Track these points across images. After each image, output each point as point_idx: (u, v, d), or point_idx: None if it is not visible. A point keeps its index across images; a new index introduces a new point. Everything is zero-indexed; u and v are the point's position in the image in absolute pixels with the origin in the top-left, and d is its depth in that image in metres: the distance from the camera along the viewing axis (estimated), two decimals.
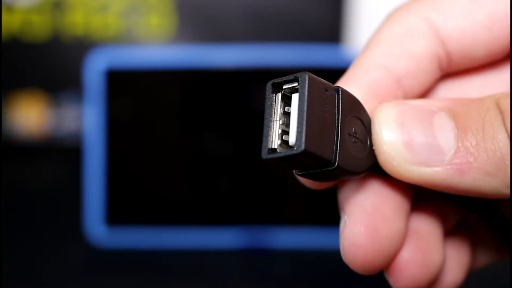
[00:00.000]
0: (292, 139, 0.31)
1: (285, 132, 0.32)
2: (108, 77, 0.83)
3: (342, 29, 0.95)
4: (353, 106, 0.33)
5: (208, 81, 0.85)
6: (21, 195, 0.93)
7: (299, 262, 0.83)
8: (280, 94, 0.33)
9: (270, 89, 0.33)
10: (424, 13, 0.37)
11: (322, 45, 0.92)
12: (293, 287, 0.81)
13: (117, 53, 0.84)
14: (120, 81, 0.84)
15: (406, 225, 0.36)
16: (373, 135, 0.34)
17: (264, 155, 0.32)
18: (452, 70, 0.38)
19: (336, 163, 0.32)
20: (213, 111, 0.84)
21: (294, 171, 0.33)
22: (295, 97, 0.32)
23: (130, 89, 0.85)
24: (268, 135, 0.32)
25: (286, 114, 0.32)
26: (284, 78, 0.32)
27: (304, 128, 0.30)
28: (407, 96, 0.37)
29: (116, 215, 0.84)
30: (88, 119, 0.84)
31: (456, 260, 0.39)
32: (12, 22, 0.95)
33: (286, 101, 0.33)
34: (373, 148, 0.34)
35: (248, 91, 0.84)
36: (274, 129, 0.32)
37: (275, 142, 0.32)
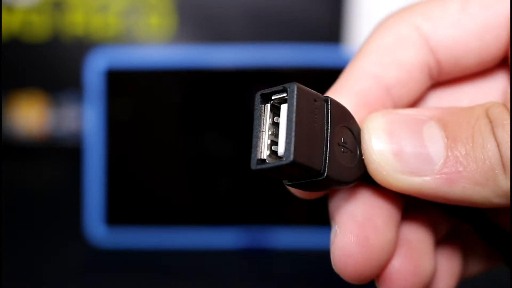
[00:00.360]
0: (281, 149, 0.31)
1: (274, 142, 0.32)
2: (108, 77, 0.83)
3: (342, 29, 0.95)
4: (343, 116, 0.33)
5: (208, 81, 0.84)
6: (21, 195, 0.93)
7: (299, 262, 0.83)
8: (269, 105, 0.33)
9: (259, 100, 0.33)
10: (414, 22, 0.37)
11: (322, 45, 0.92)
12: (293, 287, 0.81)
13: (117, 53, 0.84)
14: (120, 81, 0.84)
15: (396, 234, 0.36)
16: (362, 145, 0.34)
17: (253, 165, 0.32)
18: (443, 79, 0.38)
19: (325, 173, 0.32)
20: (213, 111, 0.84)
21: (283, 181, 0.33)
22: (283, 108, 0.32)
23: (130, 89, 0.85)
24: (257, 145, 0.32)
25: (275, 125, 0.32)
26: (273, 89, 0.32)
27: (293, 138, 0.30)
28: (396, 105, 0.37)
29: (116, 215, 0.84)
30: (88, 119, 0.84)
31: (447, 268, 0.39)
32: (12, 22, 0.96)
33: (275, 111, 0.33)
34: (363, 157, 0.34)
35: (248, 91, 0.84)
36: (263, 139, 0.32)
37: (264, 153, 0.32)
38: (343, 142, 0.33)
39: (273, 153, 0.32)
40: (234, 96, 0.85)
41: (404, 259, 0.36)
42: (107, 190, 0.84)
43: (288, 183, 0.33)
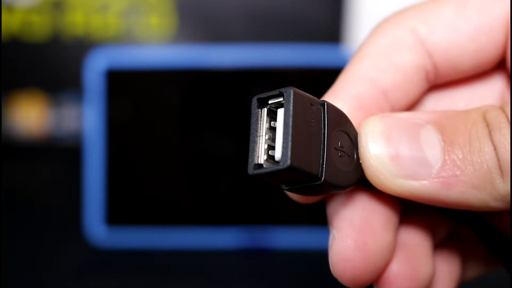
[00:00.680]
0: (278, 154, 0.31)
1: (271, 147, 0.32)
2: (108, 77, 0.83)
3: (342, 29, 0.95)
4: (339, 120, 0.33)
5: (208, 81, 0.84)
6: (21, 195, 0.94)
7: (299, 262, 0.83)
8: (265, 109, 0.33)
9: (256, 104, 0.32)
10: (410, 25, 0.37)
11: (322, 45, 0.92)
12: (293, 287, 0.81)
13: (117, 53, 0.84)
14: (120, 81, 0.84)
15: (394, 238, 0.36)
16: (359, 149, 0.33)
17: (251, 170, 0.32)
18: (440, 82, 0.38)
19: (323, 178, 0.32)
20: (213, 111, 0.84)
21: (281, 185, 0.33)
22: (280, 112, 0.32)
23: (130, 89, 0.85)
24: (254, 150, 0.32)
25: (272, 129, 0.32)
26: (269, 93, 0.32)
27: (290, 143, 0.30)
28: (394, 109, 0.36)
29: (116, 215, 0.84)
30: (88, 119, 0.84)
31: (445, 272, 0.39)
32: (12, 22, 0.95)
33: (272, 116, 0.32)
34: (360, 161, 0.34)
35: (248, 91, 0.84)
36: (260, 144, 0.32)
37: (261, 158, 0.32)
38: (340, 146, 0.33)
39: (270, 157, 0.32)
40: (234, 96, 0.85)
41: (402, 263, 0.36)
42: (107, 190, 0.84)
43: (285, 188, 0.33)
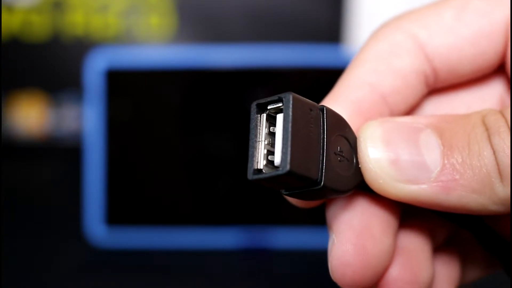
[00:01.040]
0: (277, 159, 0.31)
1: (271, 152, 0.32)
2: (108, 77, 0.83)
3: (342, 29, 0.95)
4: (339, 125, 0.33)
5: (208, 81, 0.84)
6: (21, 195, 0.94)
7: (299, 262, 0.83)
8: (265, 115, 0.33)
9: (255, 110, 0.33)
10: (410, 30, 0.36)
11: (322, 45, 0.92)
12: (293, 287, 0.81)
13: (117, 53, 0.84)
14: (120, 81, 0.84)
15: (394, 242, 0.36)
16: (359, 153, 0.33)
17: (250, 175, 0.32)
18: (439, 86, 0.38)
19: (322, 183, 0.32)
20: (213, 111, 0.84)
21: (281, 190, 0.33)
22: (279, 118, 0.32)
23: (130, 89, 0.85)
24: (253, 155, 0.32)
25: (271, 134, 0.32)
26: (269, 99, 0.32)
27: (289, 148, 0.30)
28: (393, 113, 0.36)
29: (116, 215, 0.84)
30: (88, 119, 0.84)
31: (445, 275, 0.39)
32: (12, 22, 0.95)
33: (271, 121, 0.32)
34: (359, 166, 0.34)
35: (248, 91, 0.84)
36: (260, 149, 0.32)
37: (261, 163, 0.32)
38: (339, 151, 0.33)
39: (270, 163, 0.32)
40: (234, 96, 0.84)
41: (401, 267, 0.36)
42: (107, 190, 0.84)
43: (285, 193, 0.33)
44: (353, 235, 0.35)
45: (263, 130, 0.32)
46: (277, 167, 0.31)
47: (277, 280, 0.82)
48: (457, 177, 0.32)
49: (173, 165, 0.86)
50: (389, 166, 0.33)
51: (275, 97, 0.32)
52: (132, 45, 0.96)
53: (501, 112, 0.32)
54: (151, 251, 0.84)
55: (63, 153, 0.98)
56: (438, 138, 0.32)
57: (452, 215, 0.35)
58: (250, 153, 0.32)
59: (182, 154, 0.87)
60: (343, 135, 0.33)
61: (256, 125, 0.33)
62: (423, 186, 0.32)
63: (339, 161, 0.33)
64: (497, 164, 0.31)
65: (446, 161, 0.32)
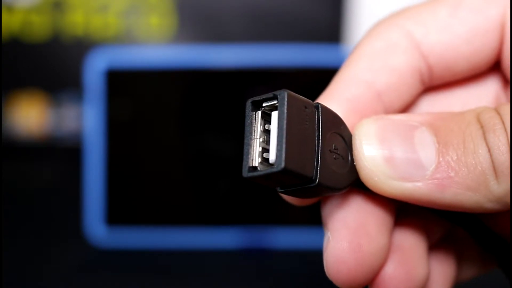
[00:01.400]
0: (272, 157, 0.31)
1: (266, 149, 0.32)
2: (108, 77, 0.83)
3: (342, 29, 0.95)
4: (334, 122, 0.33)
5: (208, 81, 0.84)
6: (21, 195, 0.94)
7: (299, 262, 0.83)
8: (260, 112, 0.33)
9: (250, 107, 0.33)
10: (405, 27, 0.36)
11: (322, 45, 0.91)
12: (293, 287, 0.81)
13: (117, 53, 0.84)
14: (120, 81, 0.84)
15: (389, 240, 0.36)
16: (354, 151, 0.33)
17: (245, 173, 0.32)
18: (435, 84, 0.38)
19: (317, 180, 0.32)
20: (213, 111, 0.84)
21: (276, 188, 0.33)
22: (274, 115, 0.32)
23: (130, 89, 0.85)
24: (248, 153, 0.32)
25: (266, 132, 0.32)
26: (263, 96, 0.32)
27: (284, 146, 0.30)
28: (388, 111, 0.36)
29: (116, 215, 0.84)
30: (88, 119, 0.84)
31: (441, 273, 0.39)
32: (12, 22, 0.96)
33: (266, 118, 0.32)
34: (354, 163, 0.33)
35: (248, 91, 0.83)
36: (255, 147, 0.32)
37: (256, 160, 0.32)
38: (334, 149, 0.33)
39: (265, 160, 0.32)
40: (234, 96, 0.84)
41: (397, 265, 0.36)
42: (107, 190, 0.84)
43: (280, 190, 0.33)
44: (348, 232, 0.35)
45: (258, 127, 0.32)
46: (272, 165, 0.31)
47: (277, 280, 0.82)
48: (452, 174, 0.32)
49: (173, 165, 0.86)
50: (384, 163, 0.33)
51: (270, 95, 0.32)
52: (132, 45, 0.96)
53: (496, 110, 0.32)
54: (151, 251, 0.84)
55: (63, 153, 0.99)
56: (433, 136, 0.32)
57: (448, 213, 0.35)
58: (245, 150, 0.32)
59: (182, 154, 0.87)
60: (338, 133, 0.33)
61: (251, 122, 0.33)
62: (418, 183, 0.32)
63: (334, 158, 0.33)
64: (492, 161, 0.31)
65: (441, 159, 0.32)
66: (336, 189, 0.33)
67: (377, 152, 0.33)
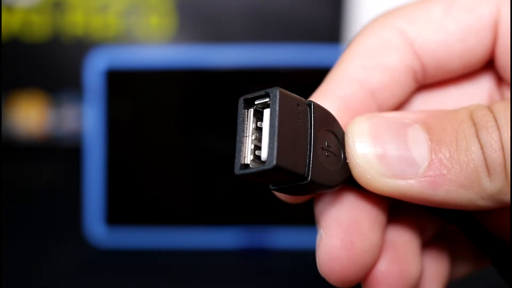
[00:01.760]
0: (264, 154, 0.31)
1: (258, 147, 0.32)
2: (108, 77, 0.83)
3: (342, 29, 0.95)
4: (326, 120, 0.33)
5: (208, 81, 0.84)
6: (21, 195, 0.94)
7: (299, 262, 0.83)
8: (252, 110, 0.33)
9: (242, 105, 0.32)
10: (399, 26, 0.36)
11: (322, 45, 0.91)
12: (293, 286, 0.81)
13: (117, 53, 0.84)
14: (120, 81, 0.84)
15: (382, 237, 0.36)
16: (346, 149, 0.33)
17: (237, 170, 0.32)
18: (428, 82, 0.38)
19: (309, 178, 0.32)
20: (213, 111, 0.84)
21: (268, 185, 0.33)
22: (266, 113, 0.32)
23: (130, 89, 0.85)
24: (240, 150, 0.32)
25: (259, 129, 0.32)
26: (256, 94, 0.32)
27: (276, 143, 0.30)
28: (381, 109, 0.36)
29: (116, 215, 0.84)
30: (88, 119, 0.85)
31: (434, 270, 0.39)
32: (12, 22, 0.96)
33: (259, 116, 0.32)
34: (347, 161, 0.33)
35: (248, 91, 0.83)
36: (247, 144, 0.32)
37: (248, 158, 0.32)
38: (327, 146, 0.33)
39: (257, 158, 0.32)
40: (233, 96, 0.84)
41: (390, 262, 0.36)
42: (107, 190, 0.84)
43: (272, 188, 0.33)
44: (341, 230, 0.35)
45: (250, 125, 0.32)
46: (264, 162, 0.31)
47: (277, 280, 0.82)
48: (445, 172, 0.32)
49: (173, 165, 0.86)
50: (377, 161, 0.33)
51: (262, 92, 0.32)
52: (132, 45, 0.96)
53: (489, 108, 0.32)
54: (151, 251, 0.84)
55: (63, 153, 0.99)
56: (426, 133, 0.32)
57: (441, 210, 0.35)
58: (237, 148, 0.32)
59: (182, 154, 0.87)
60: (330, 130, 0.33)
61: (243, 120, 0.32)
62: (411, 181, 0.32)
63: (327, 156, 0.33)
64: (485, 159, 0.31)
65: (433, 156, 0.32)
66: (328, 186, 0.33)
67: (370, 150, 0.33)
